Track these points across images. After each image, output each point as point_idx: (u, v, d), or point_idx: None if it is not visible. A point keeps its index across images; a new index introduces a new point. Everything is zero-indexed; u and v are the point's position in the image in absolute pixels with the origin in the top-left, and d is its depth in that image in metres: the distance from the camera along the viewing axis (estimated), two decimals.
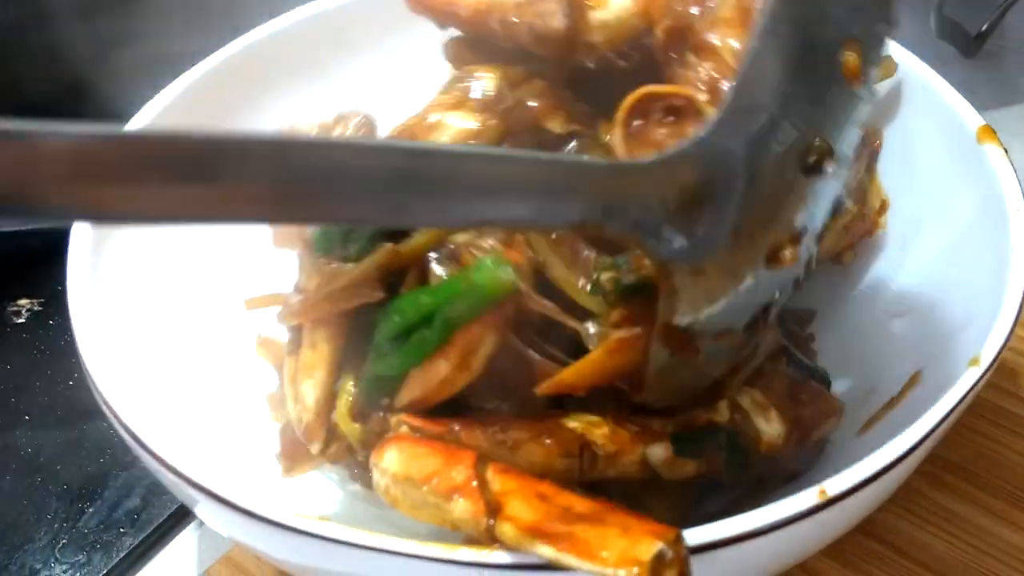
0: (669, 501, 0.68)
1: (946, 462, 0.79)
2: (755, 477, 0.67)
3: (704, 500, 0.70)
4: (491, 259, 0.59)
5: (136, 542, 0.80)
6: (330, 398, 0.65)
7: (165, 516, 0.81)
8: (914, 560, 0.75)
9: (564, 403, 0.64)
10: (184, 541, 0.81)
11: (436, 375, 0.60)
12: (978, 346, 0.63)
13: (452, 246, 0.63)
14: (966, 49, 1.10)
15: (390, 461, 0.55)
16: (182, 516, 0.82)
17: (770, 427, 0.64)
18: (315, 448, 0.65)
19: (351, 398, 0.64)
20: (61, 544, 0.80)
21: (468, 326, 0.59)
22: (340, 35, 0.91)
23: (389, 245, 0.64)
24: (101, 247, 0.75)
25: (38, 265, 0.99)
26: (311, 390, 0.66)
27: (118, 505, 0.83)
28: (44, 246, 1.02)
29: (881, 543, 0.76)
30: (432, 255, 0.63)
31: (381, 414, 0.62)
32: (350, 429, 0.64)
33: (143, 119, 0.81)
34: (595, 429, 0.60)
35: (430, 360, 0.60)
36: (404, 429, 0.57)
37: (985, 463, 0.79)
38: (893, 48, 0.80)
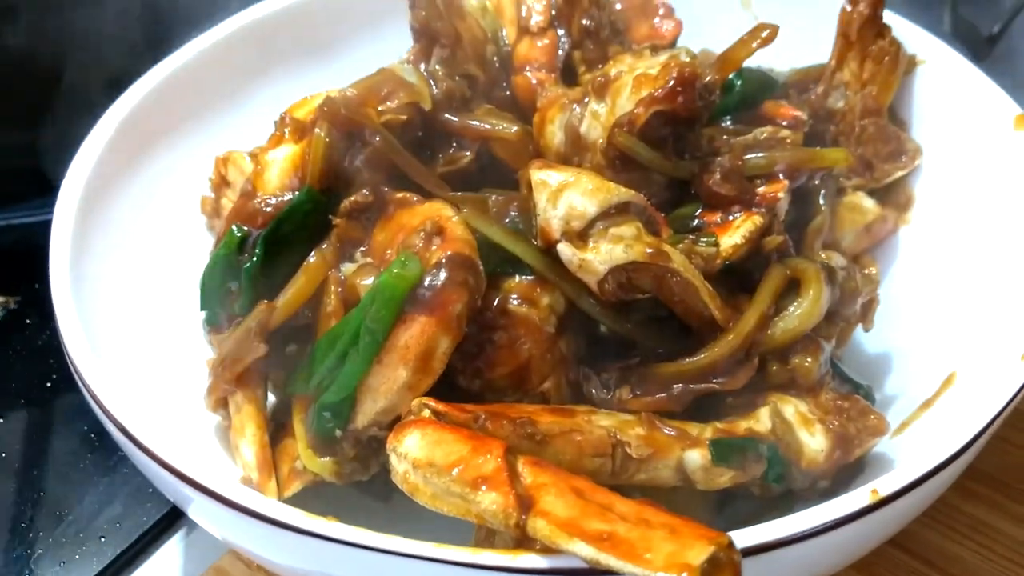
0: (691, 507, 0.64)
1: (977, 472, 0.75)
2: (784, 491, 0.64)
3: (723, 509, 0.67)
4: (396, 260, 0.59)
5: (118, 552, 0.75)
6: (267, 447, 0.66)
7: (150, 524, 0.77)
8: (945, 573, 0.71)
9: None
10: (170, 551, 0.76)
11: (395, 382, 0.58)
12: (1022, 343, 0.60)
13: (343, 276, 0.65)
14: (978, 51, 1.08)
15: (411, 445, 0.51)
16: (168, 524, 0.77)
17: (814, 442, 0.61)
18: (273, 496, 0.64)
19: (306, 436, 0.63)
20: (36, 555, 0.75)
21: (411, 327, 0.58)
22: (341, 17, 0.89)
23: (264, 303, 0.65)
24: (82, 243, 0.71)
25: (14, 261, 0.94)
26: (248, 448, 0.65)
27: (99, 512, 0.78)
28: (20, 242, 0.98)
29: (909, 554, 0.72)
30: (361, 282, 0.63)
31: (347, 440, 0.61)
32: (320, 466, 0.62)
33: (144, 87, 0.79)
34: (629, 429, 0.56)
35: (381, 369, 0.58)
36: (426, 413, 0.53)
37: (1018, 473, 0.76)
38: (926, 38, 0.78)
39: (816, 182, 0.71)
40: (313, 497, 0.64)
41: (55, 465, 0.81)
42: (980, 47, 1.08)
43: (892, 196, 0.78)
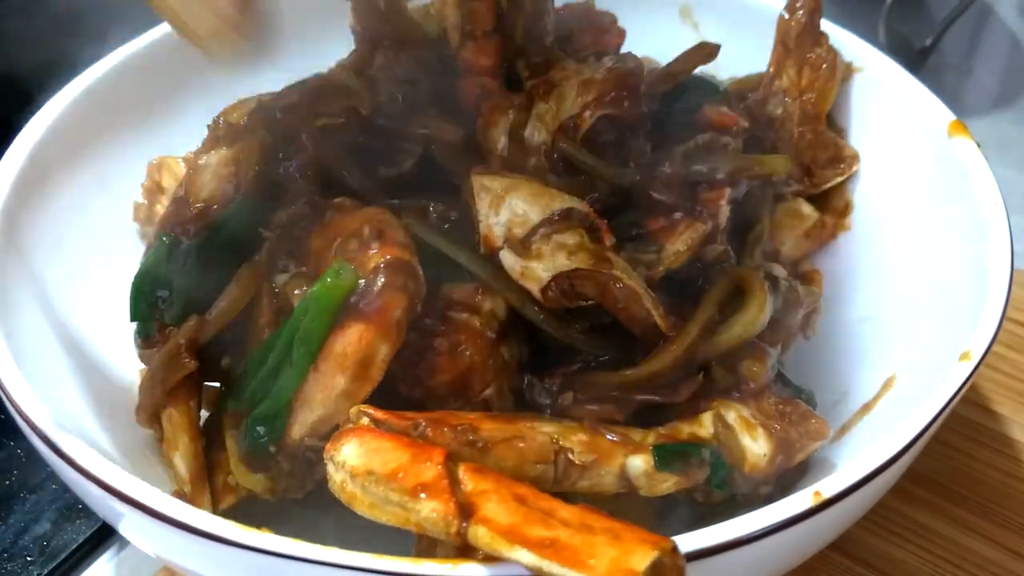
0: (634, 514, 0.64)
1: (917, 475, 0.76)
2: (727, 498, 0.64)
3: (665, 517, 0.66)
4: (330, 269, 0.58)
5: (45, 572, 0.72)
6: (201, 457, 0.64)
7: (79, 542, 0.74)
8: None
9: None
10: (99, 571, 0.74)
11: (333, 390, 0.57)
12: (961, 343, 0.60)
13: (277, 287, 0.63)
14: (911, 63, 1.10)
15: (348, 453, 0.50)
16: (98, 543, 0.74)
17: (756, 446, 0.60)
18: (207, 510, 0.61)
19: (238, 451, 0.61)
20: None
21: (348, 334, 0.56)
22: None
23: (195, 317, 0.63)
24: (8, 252, 0.68)
25: None
26: (181, 461, 0.63)
27: (25, 531, 0.75)
28: None
29: (850, 558, 0.72)
30: (295, 291, 0.62)
31: (282, 455, 0.59)
32: (253, 482, 0.61)
33: (74, 91, 0.76)
34: (571, 435, 0.56)
35: (318, 378, 0.57)
36: (365, 421, 0.52)
37: (959, 477, 0.77)
38: (863, 47, 0.79)
39: (756, 189, 0.72)
40: (253, 508, 0.63)
41: None
42: (912, 60, 1.11)
43: (830, 202, 0.79)
